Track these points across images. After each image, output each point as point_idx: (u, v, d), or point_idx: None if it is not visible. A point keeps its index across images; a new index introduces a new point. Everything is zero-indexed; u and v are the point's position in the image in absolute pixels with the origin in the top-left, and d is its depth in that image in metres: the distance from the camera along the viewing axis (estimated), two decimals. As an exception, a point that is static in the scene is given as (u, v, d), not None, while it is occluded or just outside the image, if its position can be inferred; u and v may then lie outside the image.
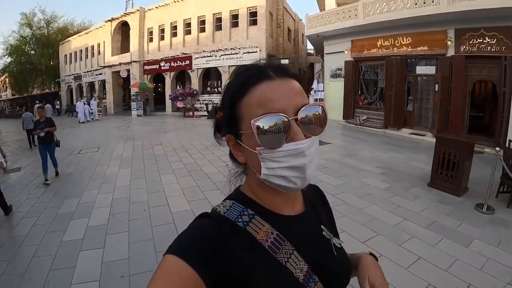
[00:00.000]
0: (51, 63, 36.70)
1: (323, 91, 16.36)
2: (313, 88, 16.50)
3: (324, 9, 17.19)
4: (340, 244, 0.82)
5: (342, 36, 14.85)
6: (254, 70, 0.69)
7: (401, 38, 12.41)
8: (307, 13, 17.91)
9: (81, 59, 32.80)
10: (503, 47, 9.54)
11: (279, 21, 21.37)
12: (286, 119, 0.62)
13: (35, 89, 40.34)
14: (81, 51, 32.65)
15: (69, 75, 34.49)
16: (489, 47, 9.91)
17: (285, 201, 0.75)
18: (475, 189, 5.87)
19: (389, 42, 12.90)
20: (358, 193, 6.02)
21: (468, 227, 4.63)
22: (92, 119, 23.48)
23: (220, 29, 21.65)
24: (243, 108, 0.66)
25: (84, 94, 32.73)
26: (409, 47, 12.20)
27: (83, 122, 21.69)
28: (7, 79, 40.44)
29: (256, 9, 19.86)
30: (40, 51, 36.55)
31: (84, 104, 23.06)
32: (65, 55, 34.83)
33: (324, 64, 17.27)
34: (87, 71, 31.87)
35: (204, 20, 22.32)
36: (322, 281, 0.71)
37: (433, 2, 10.47)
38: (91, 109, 23.73)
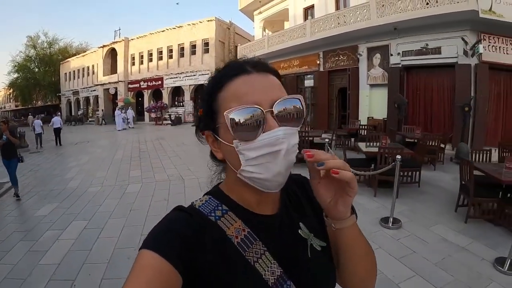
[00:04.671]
0: (53, 79, 39.19)
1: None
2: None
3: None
4: (320, 246, 0.69)
5: (261, 61, 18.29)
6: (232, 65, 0.65)
7: (293, 61, 16.11)
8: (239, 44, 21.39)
9: (79, 77, 35.75)
10: (351, 61, 12.87)
11: (230, 47, 24.81)
12: (261, 111, 0.56)
13: (38, 102, 42.87)
14: (78, 70, 35.71)
15: (68, 90, 37.34)
16: (342, 63, 13.31)
17: (263, 199, 0.66)
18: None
19: (286, 64, 16.52)
20: (208, 156, 9.87)
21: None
22: (129, 127, 23.72)
23: (183, 56, 25.42)
24: (219, 102, 0.61)
25: (81, 107, 35.66)
26: (298, 67, 15.85)
27: (119, 130, 21.68)
28: (11, 92, 42.87)
29: (208, 40, 23.68)
30: (43, 69, 39.12)
31: (122, 112, 23.35)
32: (65, 73, 37.84)
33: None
34: (84, 88, 34.78)
35: (172, 49, 26.09)
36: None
37: (304, 34, 14.14)
38: (128, 118, 24.00)
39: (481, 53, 9.18)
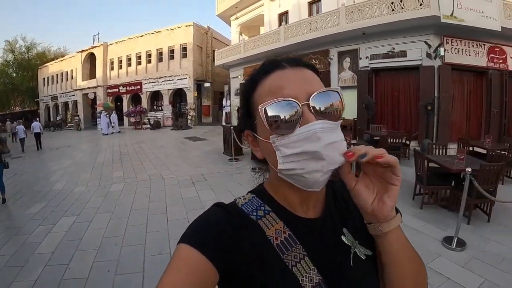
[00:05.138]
0: (31, 84, 38.08)
1: (229, 106, 19.60)
2: (223, 105, 19.69)
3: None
4: (365, 255, 0.62)
5: (237, 65, 18.43)
6: (266, 62, 0.63)
7: (267, 65, 16.27)
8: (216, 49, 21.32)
9: (57, 82, 34.54)
10: (322, 65, 12.95)
11: (208, 52, 24.71)
12: (297, 104, 0.52)
13: (16, 107, 41.41)
14: (57, 75, 34.53)
15: (47, 96, 36.06)
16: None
17: (306, 199, 0.63)
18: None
19: (261, 69, 16.61)
20: (186, 157, 9.62)
21: (213, 165, 8.05)
22: (113, 132, 22.27)
23: (162, 61, 25.07)
24: (255, 99, 0.59)
25: (60, 112, 34.43)
26: (272, 71, 16.01)
27: (105, 134, 21.13)
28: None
29: (186, 45, 23.46)
30: (21, 74, 37.96)
31: (106, 116, 22.34)
32: (44, 78, 36.55)
33: (230, 86, 20.34)
34: (62, 93, 33.63)
35: (151, 54, 25.67)
36: None
37: (278, 39, 14.24)
38: (113, 123, 22.65)
39: (443, 55, 9.42)
